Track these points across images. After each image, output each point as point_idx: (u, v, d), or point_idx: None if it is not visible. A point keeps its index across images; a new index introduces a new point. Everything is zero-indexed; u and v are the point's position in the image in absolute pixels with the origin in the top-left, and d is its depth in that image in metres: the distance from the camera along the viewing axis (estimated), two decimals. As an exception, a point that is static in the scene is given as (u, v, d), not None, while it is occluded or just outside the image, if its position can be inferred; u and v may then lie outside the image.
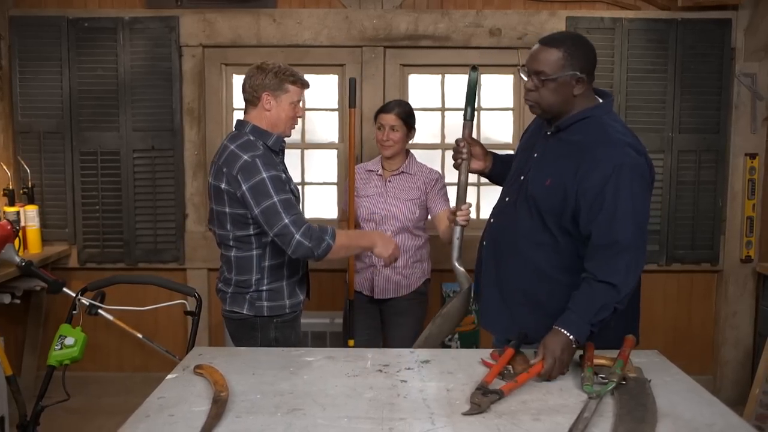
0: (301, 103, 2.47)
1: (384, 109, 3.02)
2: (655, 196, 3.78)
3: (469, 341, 3.91)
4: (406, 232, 2.95)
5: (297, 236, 2.25)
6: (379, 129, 2.98)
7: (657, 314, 3.92)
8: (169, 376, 1.84)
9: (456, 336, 3.92)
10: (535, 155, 2.14)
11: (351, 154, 2.92)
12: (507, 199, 2.21)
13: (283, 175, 2.38)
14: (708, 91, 3.77)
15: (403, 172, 3.01)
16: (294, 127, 2.51)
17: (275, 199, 2.26)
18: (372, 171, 3.09)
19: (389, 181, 3.02)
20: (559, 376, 1.82)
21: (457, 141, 2.33)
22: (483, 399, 1.61)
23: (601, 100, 2.09)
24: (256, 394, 1.70)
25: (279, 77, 2.38)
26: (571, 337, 1.83)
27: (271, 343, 2.41)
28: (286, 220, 2.25)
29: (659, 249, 3.85)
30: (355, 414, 1.58)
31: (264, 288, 2.41)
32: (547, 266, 2.07)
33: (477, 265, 2.31)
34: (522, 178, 2.15)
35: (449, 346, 3.90)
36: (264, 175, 2.26)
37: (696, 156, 3.81)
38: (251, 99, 2.41)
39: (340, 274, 3.43)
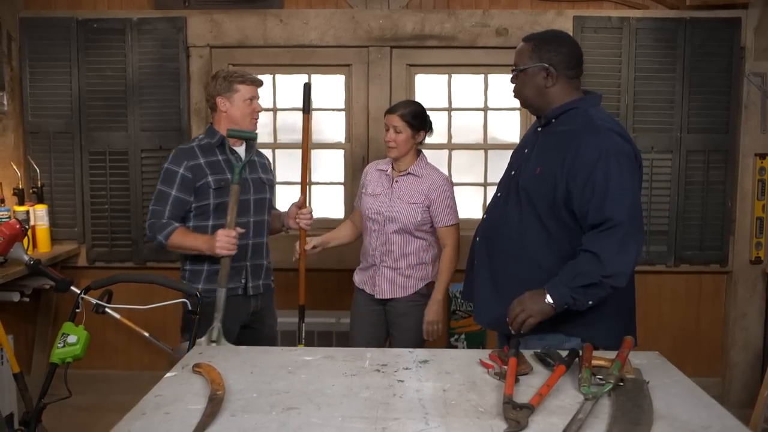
0: (259, 100, 2.79)
1: (389, 110, 2.98)
2: (663, 196, 3.78)
3: (476, 341, 3.90)
4: (407, 234, 2.91)
5: (147, 223, 2.73)
6: (386, 130, 2.97)
7: (665, 315, 3.90)
8: (167, 375, 1.85)
9: (462, 336, 3.91)
10: (526, 151, 2.20)
11: (305, 158, 2.92)
12: (499, 194, 2.27)
13: (181, 171, 2.65)
14: (717, 91, 3.74)
15: (410, 173, 2.95)
16: (255, 122, 2.79)
17: (158, 187, 2.71)
18: (382, 170, 3.04)
19: (396, 182, 2.96)
20: (520, 324, 1.99)
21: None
22: (518, 414, 1.52)
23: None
24: (252, 392, 1.71)
25: (228, 80, 2.70)
26: (548, 294, 1.95)
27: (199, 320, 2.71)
28: (151, 208, 2.72)
29: (667, 250, 3.82)
30: (350, 413, 1.58)
31: (187, 268, 2.79)
32: (539, 257, 2.10)
33: (468, 262, 2.33)
34: (513, 173, 2.21)
35: (455, 346, 3.90)
36: (165, 165, 2.71)
37: (705, 156, 3.78)
38: (211, 105, 2.78)
39: (345, 274, 3.42)
